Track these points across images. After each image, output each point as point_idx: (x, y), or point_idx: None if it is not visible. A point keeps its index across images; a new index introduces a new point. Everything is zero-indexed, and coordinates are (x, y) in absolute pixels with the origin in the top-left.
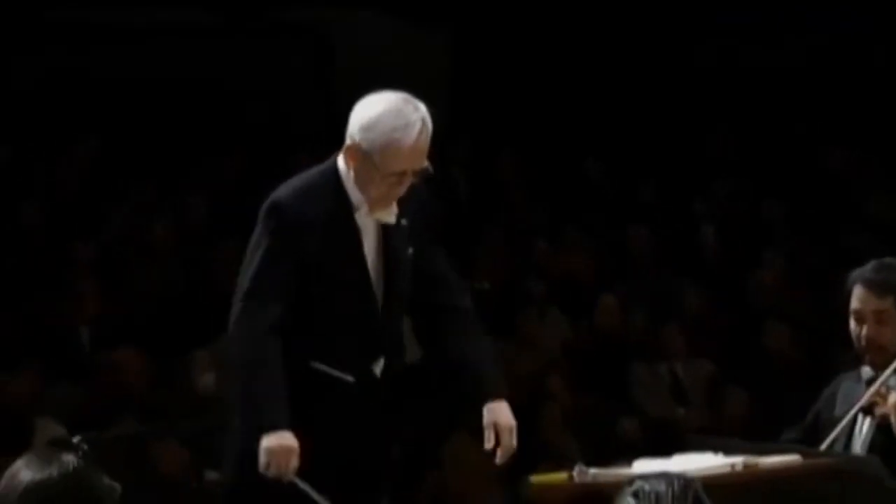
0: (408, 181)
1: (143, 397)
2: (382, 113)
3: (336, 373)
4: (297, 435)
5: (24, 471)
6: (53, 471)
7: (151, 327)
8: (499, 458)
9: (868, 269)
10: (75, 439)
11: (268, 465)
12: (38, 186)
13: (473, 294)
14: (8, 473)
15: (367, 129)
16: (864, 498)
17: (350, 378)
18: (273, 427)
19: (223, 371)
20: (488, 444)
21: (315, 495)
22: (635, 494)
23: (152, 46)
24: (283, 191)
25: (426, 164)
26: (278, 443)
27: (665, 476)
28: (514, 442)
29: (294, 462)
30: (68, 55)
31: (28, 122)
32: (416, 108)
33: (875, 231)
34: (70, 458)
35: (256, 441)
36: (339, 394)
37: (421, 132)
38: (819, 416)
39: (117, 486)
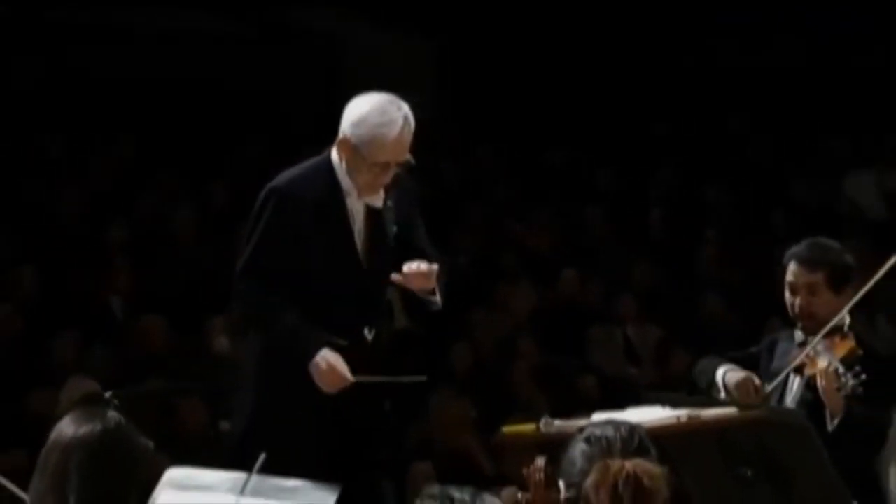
0: (391, 171)
1: (166, 358)
2: (370, 111)
3: (329, 337)
4: (301, 392)
5: (70, 426)
6: (97, 427)
7: (174, 298)
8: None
9: (802, 247)
10: (107, 395)
11: (327, 385)
12: (78, 177)
13: (454, 266)
14: (55, 428)
15: (356, 125)
16: (790, 444)
17: (342, 342)
18: (309, 356)
19: (236, 336)
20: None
21: (380, 379)
22: (587, 440)
23: (180, 52)
24: (281, 179)
25: (408, 156)
26: (324, 365)
27: (613, 423)
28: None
29: (344, 371)
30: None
31: (65, 122)
32: (400, 108)
33: (799, 214)
34: (113, 416)
35: (274, 392)
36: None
37: (403, 129)
38: (759, 357)
39: (151, 444)
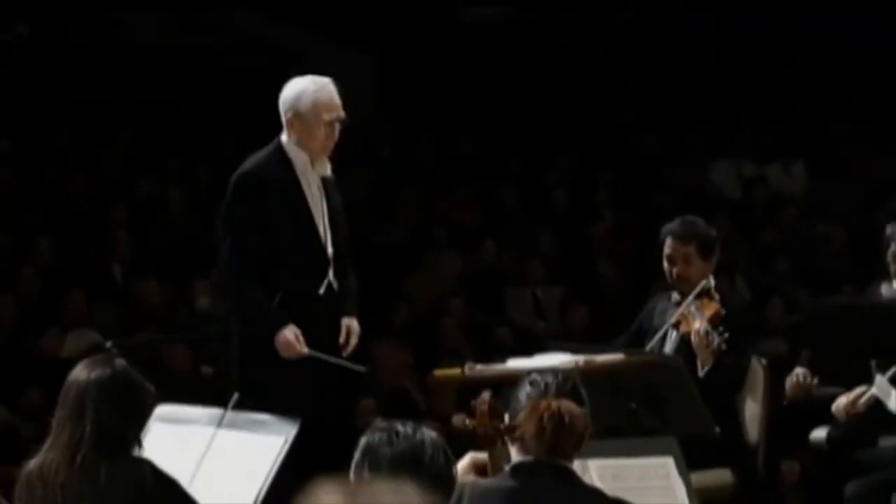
0: (337, 129)
1: (157, 314)
2: (304, 86)
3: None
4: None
5: (85, 369)
6: (107, 370)
7: (166, 265)
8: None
9: (675, 224)
10: (107, 344)
11: (287, 352)
12: (87, 165)
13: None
14: (73, 371)
15: (298, 99)
16: (669, 383)
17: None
18: (275, 328)
19: (218, 296)
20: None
21: (327, 358)
22: (531, 383)
23: (171, 62)
24: (245, 165)
25: (343, 114)
26: (285, 337)
27: (552, 370)
28: (355, 341)
29: (300, 343)
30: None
31: (76, 120)
32: (320, 79)
33: (677, 196)
34: (120, 362)
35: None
36: (300, 306)
37: (333, 89)
38: (642, 324)
39: (152, 386)
